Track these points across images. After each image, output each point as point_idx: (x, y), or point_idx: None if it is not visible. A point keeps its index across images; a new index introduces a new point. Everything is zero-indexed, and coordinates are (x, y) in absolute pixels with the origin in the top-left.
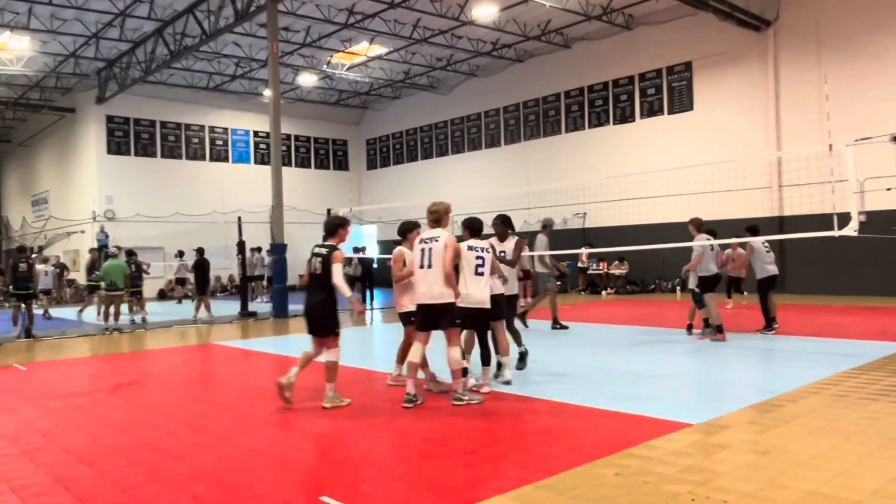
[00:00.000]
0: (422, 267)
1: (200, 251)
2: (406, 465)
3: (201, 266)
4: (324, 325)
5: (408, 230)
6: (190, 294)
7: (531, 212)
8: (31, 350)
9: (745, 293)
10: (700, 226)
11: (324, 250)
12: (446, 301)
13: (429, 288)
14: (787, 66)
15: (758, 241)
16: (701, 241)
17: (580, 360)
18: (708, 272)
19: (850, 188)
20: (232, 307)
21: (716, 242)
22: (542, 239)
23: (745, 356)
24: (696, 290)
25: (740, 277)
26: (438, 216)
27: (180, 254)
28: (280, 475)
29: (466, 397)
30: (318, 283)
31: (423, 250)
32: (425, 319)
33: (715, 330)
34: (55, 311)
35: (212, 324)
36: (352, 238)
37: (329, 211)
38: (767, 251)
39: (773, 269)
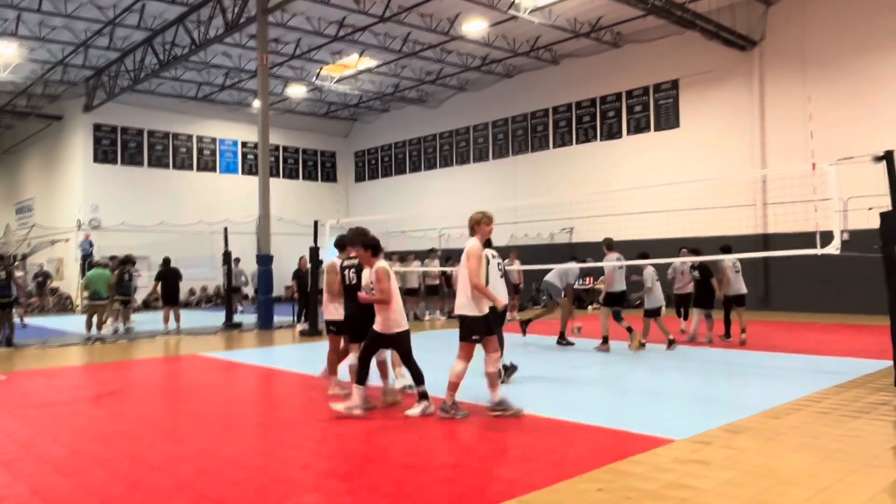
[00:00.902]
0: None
1: (166, 261)
2: (388, 478)
3: (165, 276)
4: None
5: (348, 243)
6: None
7: (518, 226)
8: (11, 359)
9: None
10: (611, 246)
11: (356, 261)
12: (463, 313)
13: (456, 298)
14: (772, 86)
15: (728, 261)
16: (611, 261)
17: (564, 375)
18: (614, 288)
19: (833, 207)
20: (217, 318)
21: (628, 263)
22: (573, 266)
23: (728, 372)
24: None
25: (690, 295)
26: (470, 225)
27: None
28: (261, 488)
29: (452, 411)
30: (356, 294)
31: (461, 262)
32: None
33: (602, 341)
34: (38, 320)
35: (179, 334)
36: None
37: (316, 223)
38: (737, 271)
39: (740, 289)
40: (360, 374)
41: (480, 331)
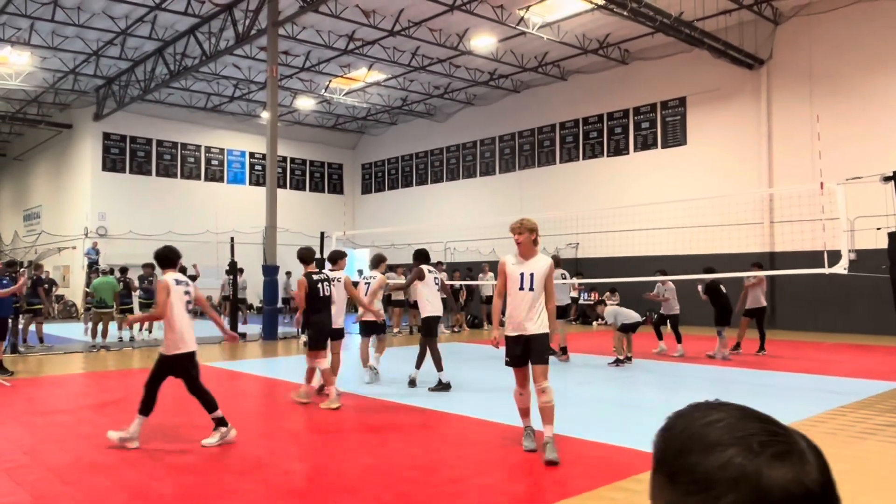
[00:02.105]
0: None
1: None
2: (392, 492)
3: None
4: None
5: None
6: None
7: None
8: (17, 366)
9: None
10: (558, 262)
11: (327, 275)
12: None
13: None
14: (779, 104)
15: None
16: (556, 277)
17: (569, 391)
18: (560, 302)
19: (840, 226)
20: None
21: (576, 281)
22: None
23: (736, 391)
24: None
25: (676, 316)
26: None
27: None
28: (264, 499)
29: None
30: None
31: None
32: None
33: (560, 351)
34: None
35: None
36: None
37: (322, 234)
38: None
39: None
40: (145, 404)
41: (510, 352)
